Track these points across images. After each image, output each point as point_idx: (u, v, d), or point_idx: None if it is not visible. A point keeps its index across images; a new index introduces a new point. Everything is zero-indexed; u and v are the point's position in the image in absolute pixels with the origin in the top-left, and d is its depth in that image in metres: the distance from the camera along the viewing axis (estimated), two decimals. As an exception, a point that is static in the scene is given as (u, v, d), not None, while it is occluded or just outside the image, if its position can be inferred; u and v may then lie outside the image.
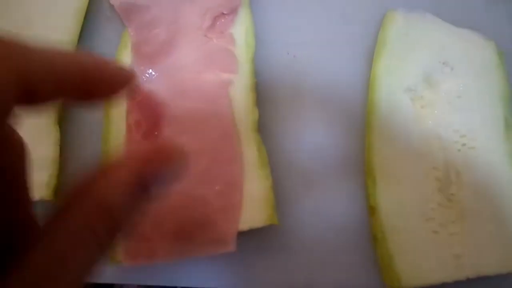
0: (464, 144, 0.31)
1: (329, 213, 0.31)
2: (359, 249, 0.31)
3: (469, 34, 0.33)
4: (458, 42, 0.33)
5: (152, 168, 0.16)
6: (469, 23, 0.34)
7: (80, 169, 0.32)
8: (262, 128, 0.32)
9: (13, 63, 0.13)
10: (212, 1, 0.33)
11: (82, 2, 0.33)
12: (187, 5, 0.33)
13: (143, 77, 0.31)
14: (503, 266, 0.29)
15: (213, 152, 0.30)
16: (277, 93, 0.34)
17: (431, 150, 0.31)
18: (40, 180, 0.29)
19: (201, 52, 0.32)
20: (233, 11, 0.33)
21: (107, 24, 0.35)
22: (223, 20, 0.33)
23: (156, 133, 0.30)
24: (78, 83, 0.15)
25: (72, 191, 0.15)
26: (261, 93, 0.33)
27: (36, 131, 0.30)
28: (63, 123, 0.32)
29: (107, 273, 0.30)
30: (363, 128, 0.32)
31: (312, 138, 0.33)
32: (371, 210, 0.30)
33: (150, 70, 0.32)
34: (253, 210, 0.29)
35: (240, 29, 0.33)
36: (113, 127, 0.31)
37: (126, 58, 0.32)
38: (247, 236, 0.29)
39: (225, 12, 0.33)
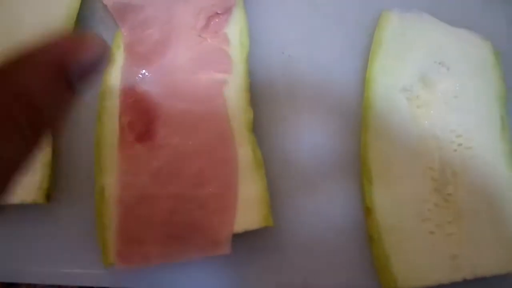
0: (460, 144, 0.31)
1: (325, 214, 0.31)
2: (356, 250, 0.31)
3: (465, 34, 0.33)
4: (454, 42, 0.33)
5: (71, 55, 0.15)
6: (465, 23, 0.34)
7: (73, 171, 0.32)
8: (257, 128, 0.32)
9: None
10: (205, 1, 0.32)
11: (74, 2, 0.33)
12: (181, 5, 0.33)
13: (137, 77, 0.31)
14: (500, 266, 0.29)
15: (208, 153, 0.30)
16: (272, 93, 0.33)
17: (427, 150, 0.31)
18: (33, 183, 0.29)
19: (195, 52, 0.32)
20: (227, 10, 0.32)
21: (100, 24, 0.34)
22: (217, 20, 0.32)
23: (149, 134, 0.30)
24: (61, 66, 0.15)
25: None
26: (256, 93, 0.33)
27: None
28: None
29: (99, 276, 0.30)
30: (359, 128, 0.32)
31: (308, 138, 0.33)
32: (367, 210, 0.30)
33: (144, 71, 0.31)
34: (248, 212, 0.29)
35: (235, 29, 0.33)
36: (106, 129, 0.30)
37: (119, 58, 0.32)
38: (242, 238, 0.29)
39: (219, 12, 0.32)
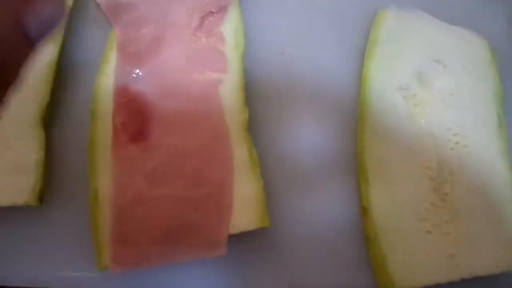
0: (457, 143, 0.31)
1: (322, 214, 0.31)
2: (352, 250, 0.30)
3: (461, 31, 0.33)
4: (450, 39, 0.33)
5: (27, 7, 0.16)
6: (461, 21, 0.34)
7: (66, 173, 0.31)
8: (253, 128, 0.32)
9: None
10: (200, 0, 0.32)
11: (67, 1, 0.33)
12: (175, 3, 0.32)
13: (130, 77, 0.31)
14: (498, 265, 0.28)
15: (203, 154, 0.30)
16: (268, 92, 0.33)
17: (424, 149, 0.30)
18: (25, 185, 0.29)
19: (190, 52, 0.32)
20: (222, 9, 0.32)
21: (93, 23, 0.34)
22: (211, 19, 0.32)
23: (143, 134, 0.30)
24: None
25: None
26: (252, 92, 0.33)
27: (21, 134, 0.29)
28: (48, 126, 0.31)
29: (94, 279, 0.29)
30: (355, 127, 0.32)
31: (304, 137, 0.32)
32: (363, 210, 0.30)
33: (138, 70, 0.31)
34: (244, 212, 0.29)
35: (230, 28, 0.32)
36: (99, 130, 0.30)
37: (113, 58, 0.32)
38: (238, 238, 0.29)
39: (213, 11, 0.32)
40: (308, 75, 0.33)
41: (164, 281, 0.30)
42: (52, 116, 0.32)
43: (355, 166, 0.31)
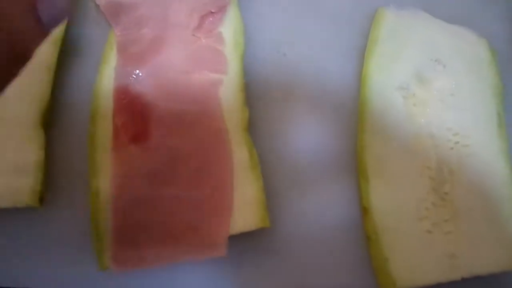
0: (457, 142, 0.31)
1: (322, 214, 0.31)
2: (353, 250, 0.30)
3: (461, 31, 0.33)
4: (450, 39, 0.33)
5: None
6: (461, 21, 0.33)
7: (67, 174, 0.31)
8: (253, 128, 0.32)
9: None
10: (199, 0, 0.32)
11: None
12: (174, 4, 0.32)
13: (130, 77, 0.31)
14: (498, 264, 0.28)
15: (203, 154, 0.30)
16: (268, 92, 0.33)
17: (424, 149, 0.30)
18: (25, 186, 0.29)
19: (190, 52, 0.32)
20: (221, 9, 0.32)
21: (93, 24, 0.34)
22: (211, 19, 0.32)
23: (144, 135, 0.30)
24: None
25: None
26: (251, 93, 0.33)
27: (21, 136, 0.29)
28: (48, 127, 0.31)
29: (94, 280, 0.29)
30: (355, 127, 0.32)
31: (304, 137, 0.32)
32: (364, 210, 0.30)
33: (137, 71, 0.31)
34: (245, 213, 0.29)
35: (229, 28, 0.32)
36: (99, 130, 0.30)
37: (113, 59, 0.32)
38: (238, 239, 0.29)
39: (213, 11, 0.32)
40: (308, 75, 0.33)
41: (164, 281, 0.30)
42: (52, 117, 0.32)
43: (355, 166, 0.31)
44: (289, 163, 0.32)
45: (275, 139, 0.32)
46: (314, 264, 0.30)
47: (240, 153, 0.30)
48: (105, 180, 0.29)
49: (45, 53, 0.31)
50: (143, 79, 0.31)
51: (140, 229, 0.28)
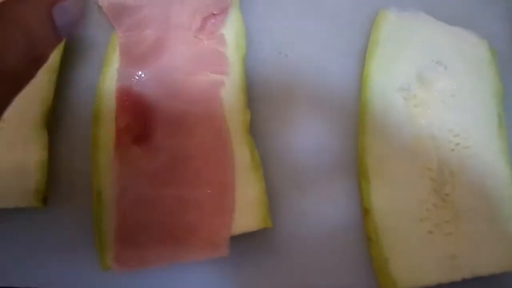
0: (458, 144, 0.31)
1: (324, 215, 0.31)
2: (354, 251, 0.30)
3: (462, 32, 0.33)
4: (451, 40, 0.33)
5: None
6: (462, 22, 0.34)
7: (70, 174, 0.31)
8: (254, 129, 0.32)
9: None
10: (201, 1, 0.32)
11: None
12: (177, 5, 0.32)
13: (133, 79, 0.31)
14: (499, 265, 0.29)
15: (205, 155, 0.30)
16: (269, 94, 0.33)
17: (425, 150, 0.30)
18: (29, 186, 0.29)
19: (192, 54, 0.32)
20: (223, 11, 0.32)
21: (95, 26, 0.34)
22: (213, 21, 0.32)
23: (146, 136, 0.30)
24: None
25: None
26: (253, 94, 0.33)
27: (24, 136, 0.30)
28: (51, 128, 0.31)
29: (96, 279, 0.30)
30: (356, 128, 0.32)
31: (305, 138, 0.32)
32: (365, 211, 0.30)
33: (140, 72, 0.31)
34: (247, 214, 0.29)
35: (231, 30, 0.32)
36: (102, 131, 0.30)
37: (115, 60, 0.32)
38: (240, 240, 0.29)
39: (215, 13, 0.32)
40: (309, 76, 0.34)
41: (165, 281, 0.30)
42: (55, 117, 0.32)
43: (356, 167, 0.32)
44: (290, 164, 0.32)
45: (277, 139, 0.32)
46: (314, 265, 0.30)
47: (241, 153, 0.30)
48: (107, 181, 0.29)
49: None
50: (146, 81, 0.31)
51: (142, 229, 0.28)
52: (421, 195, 0.30)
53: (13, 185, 0.29)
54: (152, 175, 0.29)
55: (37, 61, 0.20)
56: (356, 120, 0.32)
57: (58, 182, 0.31)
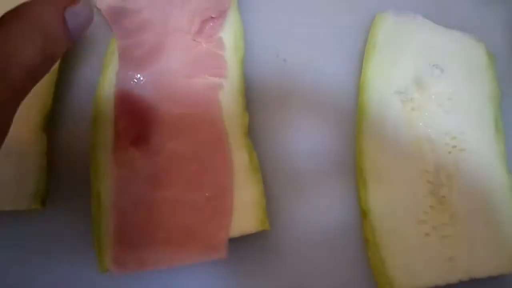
0: (454, 146, 0.31)
1: (322, 217, 0.31)
2: (352, 253, 0.31)
3: (459, 35, 0.33)
4: (448, 43, 0.33)
5: (67, 3, 0.22)
6: (459, 25, 0.34)
7: (68, 176, 0.31)
8: (253, 132, 0.32)
9: None
10: (200, 5, 0.32)
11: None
12: (175, 9, 0.33)
13: (132, 81, 0.31)
14: (495, 267, 0.29)
15: (203, 157, 0.30)
16: (268, 97, 0.33)
17: (422, 153, 0.31)
18: (28, 189, 0.29)
19: (190, 57, 0.32)
20: (222, 14, 0.32)
21: (94, 29, 0.34)
22: (211, 24, 0.32)
23: (145, 139, 0.30)
24: None
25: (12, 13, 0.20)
26: (251, 97, 0.33)
27: (23, 138, 0.30)
28: (50, 130, 0.31)
29: (95, 281, 0.30)
30: (354, 131, 0.32)
31: (303, 141, 0.33)
32: (362, 213, 0.30)
33: (139, 75, 0.31)
34: (245, 216, 0.29)
35: (229, 33, 0.33)
36: (101, 134, 0.30)
37: (114, 63, 0.32)
38: (238, 242, 0.29)
39: (213, 16, 0.32)
40: (307, 80, 0.34)
41: (164, 283, 0.30)
42: (54, 120, 0.32)
43: (354, 169, 0.32)
44: (289, 166, 0.32)
45: (275, 142, 0.33)
46: (313, 266, 0.30)
47: (240, 156, 0.30)
48: (106, 183, 0.29)
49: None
50: (145, 84, 0.31)
51: (141, 231, 0.28)
52: (418, 197, 0.30)
53: (12, 187, 0.29)
54: (150, 177, 0.29)
55: (51, 59, 0.22)
56: (354, 123, 0.32)
57: (57, 184, 0.31)
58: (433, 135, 0.31)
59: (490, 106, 0.32)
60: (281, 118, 0.33)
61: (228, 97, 0.31)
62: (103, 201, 0.29)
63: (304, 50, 0.34)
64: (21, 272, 0.30)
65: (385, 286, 0.28)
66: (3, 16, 0.20)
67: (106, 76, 0.32)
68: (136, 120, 0.30)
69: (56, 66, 0.32)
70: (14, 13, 0.20)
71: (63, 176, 0.31)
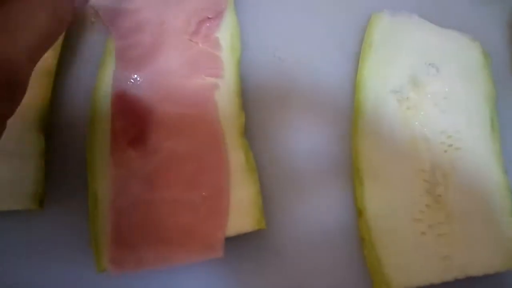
0: (450, 145, 0.31)
1: (318, 217, 0.31)
2: (349, 252, 0.31)
3: (454, 35, 0.34)
4: (444, 43, 0.33)
5: None
6: (454, 24, 0.34)
7: (66, 176, 0.32)
8: (249, 132, 0.32)
9: None
10: (196, 5, 0.32)
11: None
12: (172, 9, 0.33)
13: (129, 82, 0.31)
14: (491, 266, 0.29)
15: (200, 157, 0.30)
16: (264, 97, 0.34)
17: (417, 152, 0.31)
18: (26, 189, 0.29)
19: (187, 57, 0.32)
20: (218, 14, 0.33)
21: (91, 29, 0.34)
22: (208, 24, 0.33)
23: (142, 139, 0.30)
24: None
25: None
26: (248, 97, 0.33)
27: (21, 139, 0.30)
28: (47, 131, 0.31)
29: (93, 281, 0.30)
30: (350, 130, 0.32)
31: (300, 141, 0.33)
32: (358, 212, 0.30)
33: (135, 76, 0.31)
34: (241, 215, 0.29)
35: (226, 33, 0.33)
36: (98, 134, 0.30)
37: (111, 63, 0.32)
38: (235, 242, 0.29)
39: (210, 16, 0.32)
40: (304, 80, 0.34)
41: (162, 282, 0.30)
42: (51, 121, 0.32)
43: (350, 169, 0.32)
44: (285, 166, 0.32)
45: (271, 142, 0.33)
46: (309, 265, 0.30)
47: (236, 156, 0.30)
48: (103, 183, 0.29)
49: (44, 58, 0.31)
50: (141, 84, 0.31)
51: (138, 231, 0.28)
52: (414, 196, 0.30)
53: (11, 188, 0.29)
54: (147, 177, 0.29)
55: (61, 23, 0.23)
56: (350, 122, 0.33)
57: (55, 184, 0.31)
58: (429, 134, 0.31)
59: (485, 105, 0.32)
60: (279, 118, 0.33)
61: (225, 97, 0.31)
62: (100, 201, 0.29)
63: (301, 50, 0.34)
64: (20, 272, 0.30)
65: (381, 284, 0.29)
66: None
67: (103, 77, 0.32)
68: (133, 121, 0.30)
69: (53, 67, 0.32)
70: None
71: (61, 176, 0.31)
